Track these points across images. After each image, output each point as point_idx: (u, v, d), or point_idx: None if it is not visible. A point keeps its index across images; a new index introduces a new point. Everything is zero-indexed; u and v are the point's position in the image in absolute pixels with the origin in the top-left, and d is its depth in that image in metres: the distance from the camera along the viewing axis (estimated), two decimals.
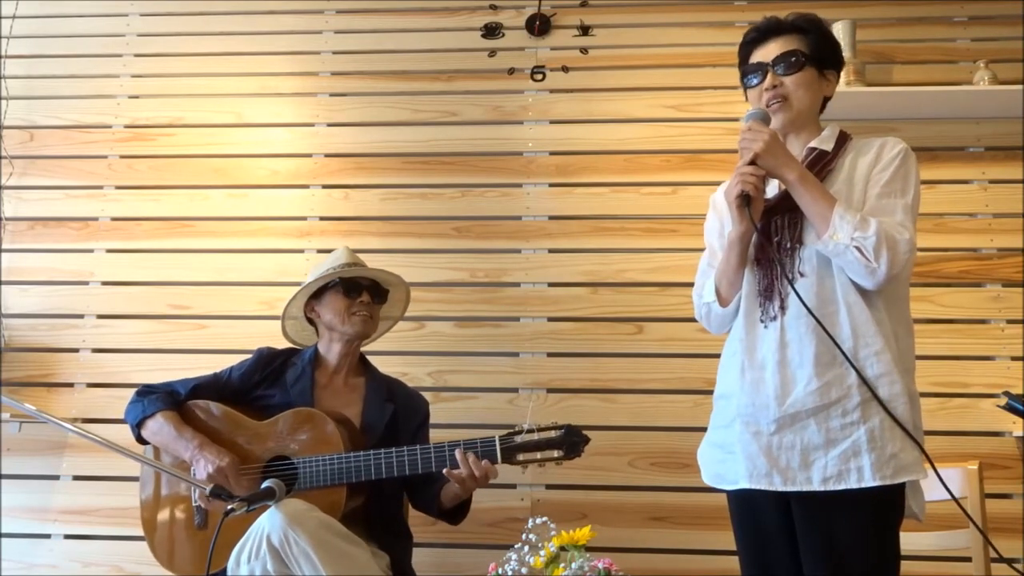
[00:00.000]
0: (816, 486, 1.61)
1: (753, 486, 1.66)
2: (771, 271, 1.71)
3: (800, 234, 1.71)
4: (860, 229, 1.60)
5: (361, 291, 2.32)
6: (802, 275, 1.68)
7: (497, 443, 2.00)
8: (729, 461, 1.72)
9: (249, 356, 2.35)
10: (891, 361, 1.62)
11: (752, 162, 1.66)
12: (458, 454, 2.00)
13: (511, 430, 2.01)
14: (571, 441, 1.97)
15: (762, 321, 1.71)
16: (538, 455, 1.98)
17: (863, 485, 1.58)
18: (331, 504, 2.00)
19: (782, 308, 1.68)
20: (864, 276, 1.62)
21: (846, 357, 1.60)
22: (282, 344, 2.45)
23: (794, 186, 1.67)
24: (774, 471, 1.64)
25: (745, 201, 1.66)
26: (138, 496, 2.23)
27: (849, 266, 1.63)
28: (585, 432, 1.99)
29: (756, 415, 1.67)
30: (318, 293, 2.34)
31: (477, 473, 1.99)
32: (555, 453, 1.97)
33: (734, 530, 1.78)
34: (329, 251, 2.50)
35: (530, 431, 1.98)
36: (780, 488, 1.63)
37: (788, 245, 1.70)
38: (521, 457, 1.98)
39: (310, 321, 2.40)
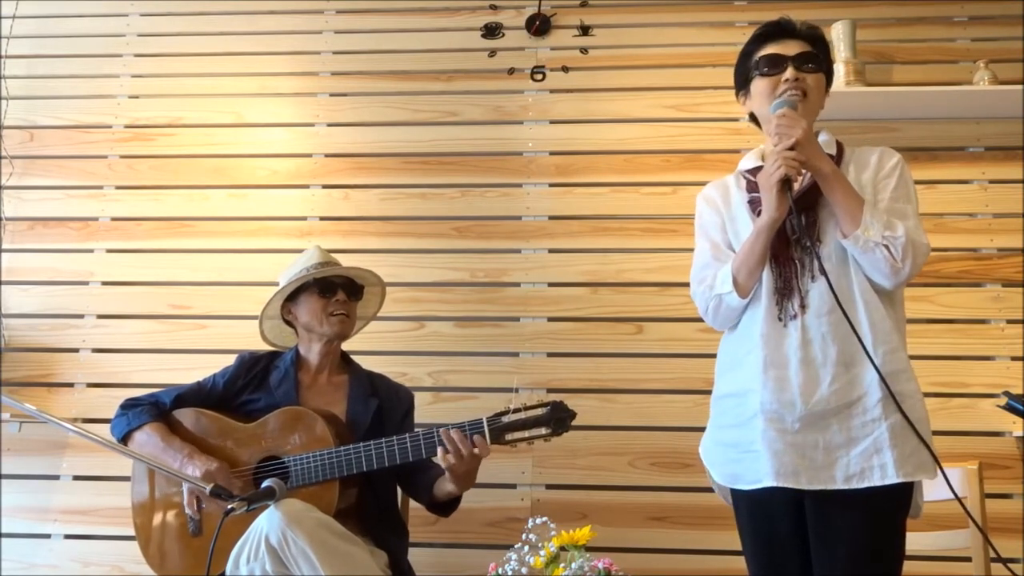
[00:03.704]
0: (840, 484, 1.61)
1: (780, 484, 1.63)
2: (789, 268, 1.71)
3: (819, 232, 1.71)
4: (889, 229, 1.62)
5: (336, 290, 2.28)
6: (822, 273, 1.68)
7: (485, 424, 1.99)
8: (747, 460, 1.70)
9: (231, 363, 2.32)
10: (905, 359, 1.65)
11: (792, 148, 1.66)
12: (442, 433, 1.98)
13: (499, 411, 2.01)
14: (558, 417, 1.98)
15: (780, 319, 1.70)
16: (526, 433, 1.98)
17: (886, 482, 1.59)
18: (325, 503, 2.00)
19: (802, 306, 1.69)
20: (887, 275, 1.64)
21: (868, 356, 1.61)
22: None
23: (828, 179, 1.67)
24: (801, 469, 1.63)
25: (787, 185, 1.66)
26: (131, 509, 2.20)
27: (874, 263, 1.64)
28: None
29: (781, 412, 1.66)
30: (293, 295, 2.31)
31: (464, 451, 1.97)
32: (543, 430, 1.98)
33: (743, 531, 1.76)
34: (329, 251, 2.49)
35: (517, 410, 1.99)
36: (806, 486, 1.63)
37: (808, 243, 1.70)
38: (510, 436, 1.98)
39: (288, 323, 2.37)
